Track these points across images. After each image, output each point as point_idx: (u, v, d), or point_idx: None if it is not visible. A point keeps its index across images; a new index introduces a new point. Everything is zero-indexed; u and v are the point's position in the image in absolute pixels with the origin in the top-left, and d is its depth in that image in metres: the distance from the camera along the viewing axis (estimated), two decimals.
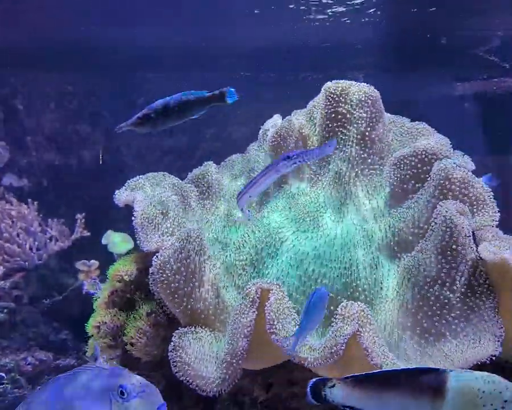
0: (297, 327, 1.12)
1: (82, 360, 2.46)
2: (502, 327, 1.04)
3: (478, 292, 1.11)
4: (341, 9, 2.07)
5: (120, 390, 0.92)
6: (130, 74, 2.94)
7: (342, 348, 1.04)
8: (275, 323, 1.12)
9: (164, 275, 1.19)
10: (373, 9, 1.96)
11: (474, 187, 1.23)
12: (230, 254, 1.52)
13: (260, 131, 1.74)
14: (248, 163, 1.77)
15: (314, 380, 0.88)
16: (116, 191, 1.57)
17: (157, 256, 1.21)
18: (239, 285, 1.44)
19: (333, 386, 0.86)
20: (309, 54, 2.24)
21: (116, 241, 2.55)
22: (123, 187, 1.62)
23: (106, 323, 1.45)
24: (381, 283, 1.28)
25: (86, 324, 1.51)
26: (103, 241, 2.57)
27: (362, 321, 1.07)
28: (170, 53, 2.65)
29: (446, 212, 1.13)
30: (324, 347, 1.06)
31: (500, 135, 2.05)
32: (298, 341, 1.04)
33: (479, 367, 1.10)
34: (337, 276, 1.31)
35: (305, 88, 2.31)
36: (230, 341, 1.16)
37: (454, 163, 1.25)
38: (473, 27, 1.96)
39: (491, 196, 1.23)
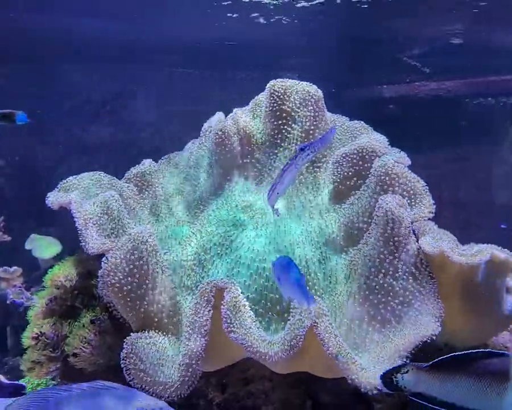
0: (255, 324, 1.14)
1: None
2: (441, 309, 1.13)
3: (419, 278, 1.19)
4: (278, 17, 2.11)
5: None
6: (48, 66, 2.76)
7: (302, 339, 1.06)
8: (232, 320, 1.12)
9: (116, 277, 1.14)
10: (310, 9, 2.03)
11: (412, 181, 1.32)
12: (176, 255, 1.50)
13: (202, 128, 1.72)
14: (189, 161, 1.75)
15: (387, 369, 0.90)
16: (49, 193, 1.48)
17: (107, 258, 1.16)
18: (188, 285, 1.41)
19: (406, 372, 0.89)
20: (247, 53, 2.26)
21: (41, 245, 2.39)
22: (56, 188, 1.52)
23: (44, 333, 1.36)
24: (330, 277, 1.33)
25: (20, 337, 1.40)
26: (27, 246, 2.40)
27: (318, 313, 1.10)
28: (92, 44, 2.53)
29: (387, 205, 1.20)
30: (284, 340, 1.08)
31: (421, 135, 2.22)
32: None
33: (421, 348, 1.19)
34: None
35: (243, 87, 2.33)
36: (186, 343, 1.14)
37: (392, 159, 1.34)
38: (398, 33, 2.11)
39: (426, 190, 1.33)
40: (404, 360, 1.05)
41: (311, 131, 1.51)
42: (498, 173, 2.24)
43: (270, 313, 1.31)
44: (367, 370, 1.04)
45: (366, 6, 1.99)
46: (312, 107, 1.51)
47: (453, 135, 2.20)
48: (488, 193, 2.24)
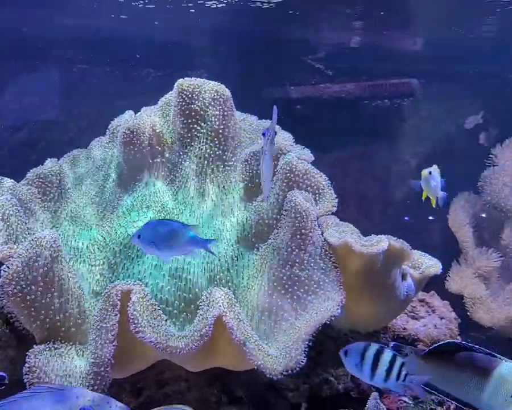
0: (164, 322, 1.13)
1: None
2: (342, 295, 1.20)
3: (324, 268, 1.25)
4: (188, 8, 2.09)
5: None
6: None
7: (211, 329, 1.08)
8: (140, 321, 1.10)
9: (18, 286, 1.07)
10: (220, 9, 2.05)
11: (315, 177, 1.39)
12: (84, 260, 1.44)
13: (109, 127, 1.67)
14: (95, 161, 1.69)
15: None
16: None
17: (7, 266, 1.08)
18: (98, 291, 1.36)
19: (406, 355, 0.94)
20: (153, 50, 2.22)
21: None
22: None
23: None
24: (242, 273, 1.35)
25: None
26: None
27: (227, 303, 1.13)
28: None
29: (295, 200, 1.26)
30: (194, 331, 1.09)
31: (326, 135, 2.34)
32: None
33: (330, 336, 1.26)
34: (201, 271, 1.35)
35: (153, 85, 2.29)
36: (94, 350, 1.11)
37: (296, 157, 1.40)
38: (302, 36, 2.20)
39: (329, 185, 1.40)
40: (307, 343, 1.10)
41: (220, 130, 1.53)
42: (395, 169, 2.43)
43: (185, 313, 1.31)
44: (273, 356, 1.08)
45: (272, 6, 2.05)
46: (220, 107, 1.53)
47: (355, 135, 2.35)
48: (387, 188, 2.43)
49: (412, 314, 1.70)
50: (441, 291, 1.90)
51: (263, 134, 1.16)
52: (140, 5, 2.16)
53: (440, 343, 1.04)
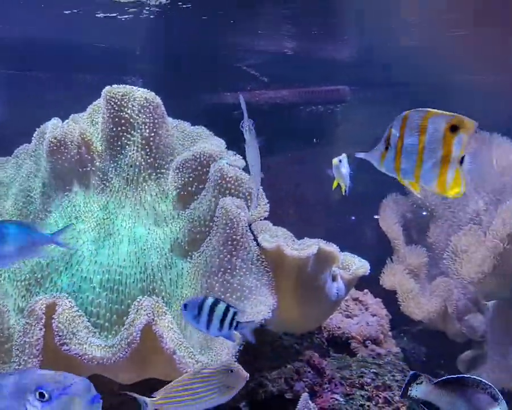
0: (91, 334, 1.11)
1: None
2: (274, 299, 1.22)
3: (255, 273, 1.27)
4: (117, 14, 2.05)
5: (38, 393, 0.73)
6: None
7: (138, 336, 1.07)
8: (64, 333, 1.08)
9: None
10: (152, 15, 2.02)
11: (247, 183, 1.41)
12: (9, 275, 1.37)
13: (35, 134, 1.60)
14: (20, 170, 1.62)
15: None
16: None
17: None
18: (23, 307, 1.31)
19: (421, 383, 1.00)
20: (87, 54, 2.16)
21: None
22: None
23: None
24: (176, 282, 1.35)
25: None
26: None
27: (157, 311, 1.12)
28: None
29: (225, 207, 1.27)
30: (121, 340, 1.08)
31: (264, 140, 2.36)
32: None
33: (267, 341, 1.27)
34: (133, 282, 1.32)
35: (83, 90, 2.21)
36: (17, 368, 1.06)
37: (227, 163, 1.41)
38: (236, 43, 2.22)
39: (261, 190, 1.43)
40: (238, 347, 1.12)
41: (151, 138, 1.51)
42: (331, 172, 2.50)
43: (117, 326, 1.28)
44: (203, 364, 1.08)
45: (205, 17, 2.06)
46: (151, 114, 1.51)
47: (292, 140, 2.40)
48: (324, 191, 2.49)
49: (347, 312, 1.76)
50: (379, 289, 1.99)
51: (241, 126, 1.15)
52: (74, 11, 2.09)
53: (452, 376, 1.11)
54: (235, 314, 0.96)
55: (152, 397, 0.98)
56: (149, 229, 1.44)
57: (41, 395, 0.73)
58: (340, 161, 1.29)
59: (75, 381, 0.75)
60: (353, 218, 2.44)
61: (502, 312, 1.78)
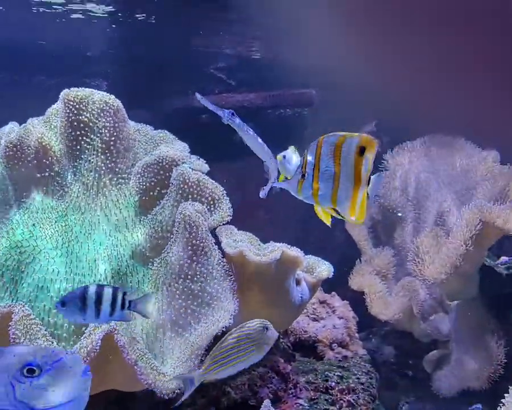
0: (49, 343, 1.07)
1: None
2: (236, 304, 1.21)
3: (216, 278, 1.25)
4: (78, 15, 2.01)
5: (27, 369, 0.66)
6: None
7: (98, 344, 1.04)
8: (22, 341, 1.04)
9: None
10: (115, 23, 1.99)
11: (209, 187, 1.39)
12: None
13: None
14: None
15: None
16: None
17: None
18: None
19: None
20: (46, 58, 2.10)
21: None
22: None
23: None
24: (137, 289, 1.31)
25: None
26: None
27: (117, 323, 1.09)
28: None
29: (185, 212, 1.25)
30: (80, 348, 1.04)
31: (232, 143, 2.35)
32: None
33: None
34: None
35: (43, 92, 2.15)
36: None
37: (189, 168, 1.39)
38: (204, 46, 2.21)
39: (225, 195, 1.41)
40: (200, 358, 1.09)
41: (112, 142, 1.48)
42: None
43: (75, 336, 1.25)
44: (165, 375, 1.05)
45: (171, 25, 2.04)
46: (111, 118, 1.48)
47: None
48: (285, 195, 2.50)
49: (314, 315, 1.76)
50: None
51: (232, 113, 1.07)
52: (33, 10, 2.04)
53: None
54: (125, 293, 0.91)
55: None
56: (109, 235, 1.41)
57: (30, 371, 0.67)
58: (284, 157, 1.25)
59: (66, 355, 0.70)
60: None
61: (465, 312, 1.82)
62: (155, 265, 1.33)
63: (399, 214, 2.06)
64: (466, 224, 1.59)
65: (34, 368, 0.67)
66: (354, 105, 2.45)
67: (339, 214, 0.87)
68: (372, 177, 0.83)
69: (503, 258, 1.99)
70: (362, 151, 0.82)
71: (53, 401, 0.66)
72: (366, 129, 2.44)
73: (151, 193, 1.45)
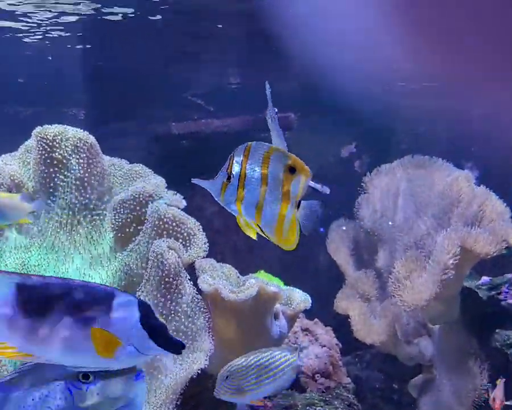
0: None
1: None
2: (211, 344, 1.19)
3: (191, 317, 1.23)
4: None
5: (82, 375, 0.69)
6: None
7: None
8: None
9: None
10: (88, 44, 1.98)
11: (185, 223, 1.37)
12: None
13: None
14: None
15: None
16: None
17: None
18: None
19: None
20: (21, 88, 2.08)
21: None
22: None
23: None
24: None
25: None
26: None
27: None
28: None
29: (158, 249, 1.23)
30: None
31: (215, 168, 2.35)
32: None
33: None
34: None
35: (18, 124, 2.13)
36: None
37: (165, 203, 1.37)
38: (180, 74, 2.21)
39: (200, 230, 1.39)
40: (175, 403, 1.07)
41: (86, 179, 1.46)
42: None
43: None
44: None
45: (143, 53, 2.04)
46: (84, 154, 1.46)
47: None
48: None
49: (295, 345, 1.74)
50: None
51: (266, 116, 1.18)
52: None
53: None
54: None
55: None
56: (83, 273, 1.38)
57: (85, 377, 0.70)
58: None
59: None
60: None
61: (447, 336, 1.81)
62: None
63: (380, 237, 2.06)
64: (445, 249, 1.59)
65: (89, 373, 0.69)
66: (336, 126, 2.46)
67: (264, 234, 0.83)
68: (302, 202, 0.80)
69: (484, 279, 2.00)
70: (291, 170, 0.78)
71: (110, 405, 0.69)
72: (346, 150, 2.45)
73: (127, 229, 1.43)
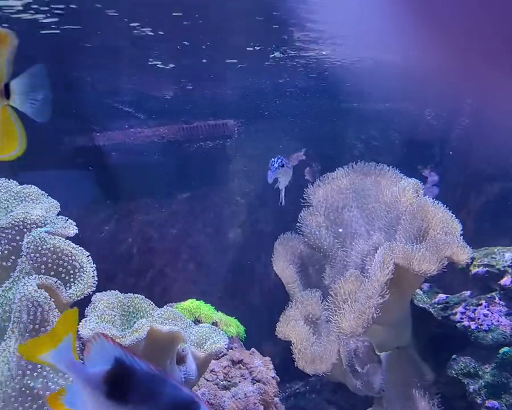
0: None
1: None
2: None
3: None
4: None
5: None
6: None
7: None
8: None
9: None
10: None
11: (68, 255, 1.17)
12: None
13: None
14: None
15: None
16: None
17: None
18: None
19: None
20: None
21: None
22: None
23: None
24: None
25: None
26: None
27: None
28: None
29: (24, 291, 1.03)
30: None
31: (148, 182, 2.15)
32: None
33: None
34: None
35: None
36: None
37: (46, 232, 1.17)
38: (106, 80, 2.00)
39: (88, 261, 1.19)
40: None
41: None
42: (226, 211, 2.31)
43: None
44: None
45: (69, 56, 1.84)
46: None
47: (181, 179, 2.19)
48: (219, 231, 2.29)
49: (224, 382, 1.54)
50: None
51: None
52: None
53: None
54: None
55: None
56: None
57: None
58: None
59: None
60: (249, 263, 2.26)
61: (397, 364, 1.62)
62: None
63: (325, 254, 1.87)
64: (379, 268, 1.40)
65: None
66: (282, 133, 2.28)
67: None
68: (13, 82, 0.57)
69: (440, 297, 1.81)
70: None
71: None
72: (294, 157, 2.26)
73: (4, 263, 1.22)
